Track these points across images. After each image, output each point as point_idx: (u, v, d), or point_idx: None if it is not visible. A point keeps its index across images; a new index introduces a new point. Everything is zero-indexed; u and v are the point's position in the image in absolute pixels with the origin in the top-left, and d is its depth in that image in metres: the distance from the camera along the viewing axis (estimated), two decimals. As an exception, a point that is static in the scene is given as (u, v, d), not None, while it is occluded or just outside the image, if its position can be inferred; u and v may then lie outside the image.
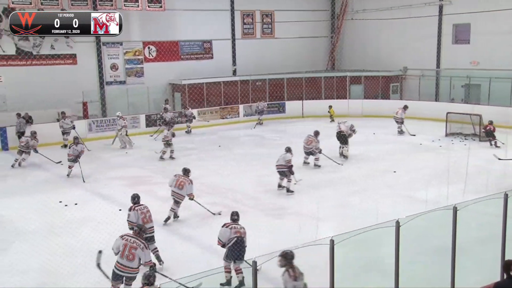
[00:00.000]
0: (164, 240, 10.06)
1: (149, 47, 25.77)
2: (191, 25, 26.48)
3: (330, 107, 24.89)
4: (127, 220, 9.15)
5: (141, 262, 7.63)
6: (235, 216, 8.79)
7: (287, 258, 6.59)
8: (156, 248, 9.12)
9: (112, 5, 22.78)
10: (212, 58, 27.63)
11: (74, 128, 19.82)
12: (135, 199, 9.44)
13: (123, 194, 13.16)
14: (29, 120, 20.26)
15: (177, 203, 11.28)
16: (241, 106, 25.99)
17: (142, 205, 9.34)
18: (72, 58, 23.56)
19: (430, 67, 26.37)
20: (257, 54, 28.74)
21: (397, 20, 27.29)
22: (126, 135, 20.00)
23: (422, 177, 14.61)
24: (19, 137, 19.05)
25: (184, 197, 11.23)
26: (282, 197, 13.05)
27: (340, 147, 16.89)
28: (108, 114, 23.63)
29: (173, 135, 17.86)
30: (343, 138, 16.86)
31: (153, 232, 9.18)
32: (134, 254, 7.57)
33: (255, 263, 5.91)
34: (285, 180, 13.48)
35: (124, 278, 7.64)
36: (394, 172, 15.12)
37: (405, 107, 20.94)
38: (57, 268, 8.93)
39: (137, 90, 25.09)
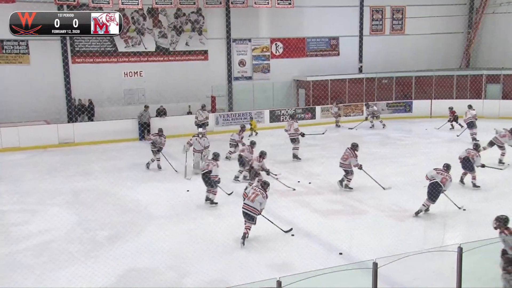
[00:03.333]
0: (281, 233, 10.24)
1: (276, 44, 26.21)
2: (318, 22, 26.46)
3: (252, 119, 22.50)
4: None
5: None
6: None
7: (500, 221, 7.57)
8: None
9: (243, 3, 23.54)
10: (338, 55, 27.40)
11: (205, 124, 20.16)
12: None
13: (244, 187, 13.55)
14: (163, 113, 21.67)
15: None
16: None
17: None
18: (204, 54, 24.77)
19: None
20: (385, 51, 27.95)
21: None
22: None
23: None
24: (141, 127, 20.65)
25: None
26: (405, 199, 12.55)
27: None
28: (234, 108, 24.48)
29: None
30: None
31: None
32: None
33: (375, 264, 5.77)
34: None
35: None
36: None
37: None
38: (184, 252, 9.46)
39: (263, 85, 25.71)
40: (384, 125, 22.47)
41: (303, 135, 16.90)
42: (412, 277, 8.02)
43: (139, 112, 20.92)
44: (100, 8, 21.16)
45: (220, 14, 24.50)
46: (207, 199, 12.18)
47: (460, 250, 5.94)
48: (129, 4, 21.36)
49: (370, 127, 22.53)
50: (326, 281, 6.98)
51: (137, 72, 23.67)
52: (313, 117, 23.84)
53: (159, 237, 10.24)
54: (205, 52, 24.82)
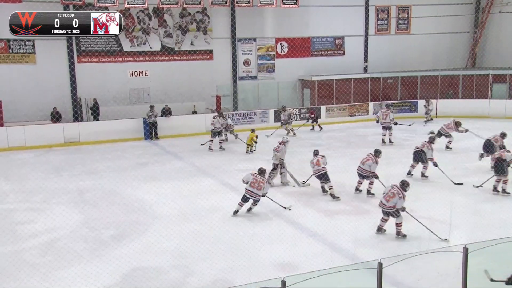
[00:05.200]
0: (286, 232, 10.22)
1: (281, 43, 26.21)
2: (323, 21, 26.45)
3: (253, 131, 18.49)
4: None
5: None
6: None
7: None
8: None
9: (248, 3, 23.52)
10: (343, 54, 27.37)
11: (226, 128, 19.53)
12: (260, 169, 11.65)
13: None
14: (168, 112, 21.71)
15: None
16: (370, 104, 25.42)
17: (261, 176, 11.43)
18: (209, 53, 24.79)
19: None
20: (391, 51, 27.91)
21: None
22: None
23: None
24: (150, 128, 20.63)
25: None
26: (410, 199, 12.48)
27: None
28: (239, 108, 24.49)
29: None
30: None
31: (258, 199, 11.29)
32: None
33: (380, 264, 5.77)
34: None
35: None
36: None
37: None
38: (189, 252, 9.47)
39: (268, 85, 25.72)
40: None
41: (396, 123, 18.98)
42: (417, 278, 8.01)
43: (146, 113, 20.94)
44: (106, 8, 21.35)
45: (225, 14, 24.51)
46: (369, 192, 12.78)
47: (466, 251, 5.92)
48: (134, 4, 21.43)
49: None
50: (331, 281, 6.97)
51: (142, 71, 23.72)
52: (318, 116, 23.81)
53: (164, 236, 10.23)
54: (210, 51, 24.85)
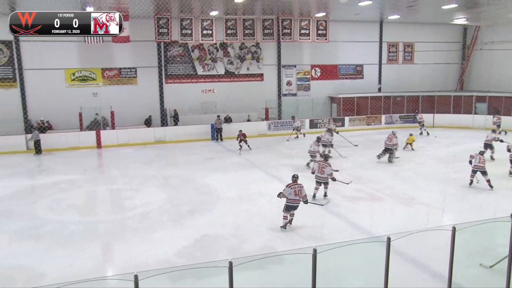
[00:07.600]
0: (316, 213, 10.19)
1: (315, 69, 26.03)
2: (348, 53, 26.10)
3: (411, 135, 17.82)
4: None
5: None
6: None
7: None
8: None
9: (291, 39, 23.45)
10: (362, 78, 26.91)
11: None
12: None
13: (290, 177, 13.56)
14: (229, 120, 21.97)
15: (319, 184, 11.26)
16: (383, 116, 24.89)
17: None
18: (260, 76, 24.90)
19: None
20: (398, 76, 27.27)
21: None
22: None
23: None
24: (217, 132, 20.80)
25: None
26: (413, 189, 12.19)
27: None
28: (283, 117, 24.49)
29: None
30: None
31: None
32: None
33: (389, 239, 5.71)
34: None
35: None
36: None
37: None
38: (243, 225, 9.60)
39: (304, 100, 25.56)
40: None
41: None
42: (417, 249, 7.86)
43: (215, 120, 21.18)
44: (186, 44, 22.01)
45: (273, 47, 24.56)
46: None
47: (454, 230, 5.78)
48: (206, 41, 21.81)
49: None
50: (351, 250, 6.95)
51: (211, 89, 24.06)
52: (343, 125, 23.55)
53: (225, 213, 10.39)
54: (261, 75, 24.97)
